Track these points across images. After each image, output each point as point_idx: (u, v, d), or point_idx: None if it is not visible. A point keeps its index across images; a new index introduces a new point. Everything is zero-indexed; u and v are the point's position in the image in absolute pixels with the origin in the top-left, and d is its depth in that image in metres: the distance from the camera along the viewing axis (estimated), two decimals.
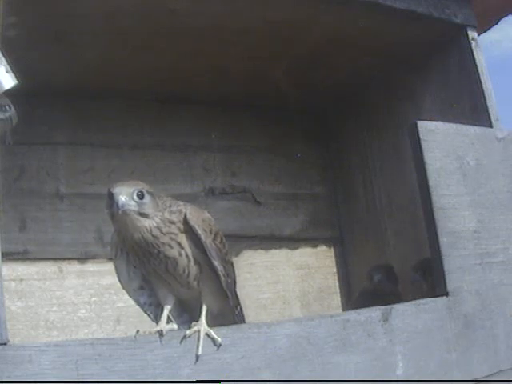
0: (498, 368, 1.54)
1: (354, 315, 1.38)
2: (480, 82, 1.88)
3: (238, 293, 1.39)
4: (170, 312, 1.27)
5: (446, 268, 1.51)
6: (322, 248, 2.50)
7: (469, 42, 1.91)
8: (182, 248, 1.21)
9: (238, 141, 2.41)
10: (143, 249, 1.21)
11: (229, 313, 1.33)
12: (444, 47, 1.99)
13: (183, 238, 1.22)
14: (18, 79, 1.21)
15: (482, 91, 1.87)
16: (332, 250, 2.52)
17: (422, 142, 1.57)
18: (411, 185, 1.77)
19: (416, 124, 1.58)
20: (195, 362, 1.11)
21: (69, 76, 1.90)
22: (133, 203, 1.18)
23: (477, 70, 1.88)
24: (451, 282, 1.51)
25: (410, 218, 2.13)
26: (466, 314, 1.52)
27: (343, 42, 1.95)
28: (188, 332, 1.12)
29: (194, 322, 1.17)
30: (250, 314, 2.21)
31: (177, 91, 2.17)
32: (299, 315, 2.30)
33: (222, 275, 1.25)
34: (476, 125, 1.77)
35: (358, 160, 2.46)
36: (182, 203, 1.27)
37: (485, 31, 2.09)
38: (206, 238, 1.23)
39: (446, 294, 1.50)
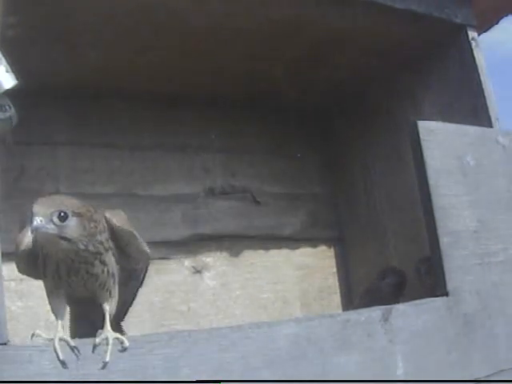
0: (498, 368, 1.54)
1: (354, 315, 1.38)
2: (480, 82, 1.88)
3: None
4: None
5: (446, 268, 1.51)
6: (322, 248, 2.50)
7: (469, 41, 1.91)
8: (106, 265, 1.15)
9: (238, 141, 2.41)
10: (67, 266, 1.12)
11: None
12: (444, 47, 1.99)
13: (107, 256, 1.15)
14: (18, 79, 1.21)
15: (482, 91, 1.87)
16: (332, 250, 2.52)
17: (422, 142, 1.57)
18: (411, 185, 1.77)
19: (416, 124, 1.58)
20: (102, 368, 1.04)
21: (69, 76, 1.89)
22: (51, 226, 1.03)
23: (477, 70, 1.89)
24: (451, 281, 1.51)
25: (410, 218, 2.13)
26: (465, 313, 1.52)
27: (343, 41, 1.96)
28: (97, 340, 1.06)
29: (99, 331, 1.11)
30: (249, 313, 2.23)
31: (177, 91, 2.17)
32: (299, 315, 2.30)
33: (148, 259, 1.25)
34: (476, 125, 1.77)
35: (358, 160, 2.46)
36: (100, 214, 1.16)
37: (485, 31, 2.09)
38: (137, 234, 1.20)
39: (446, 294, 1.50)
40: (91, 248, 1.10)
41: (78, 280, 1.14)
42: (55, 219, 1.04)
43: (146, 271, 1.32)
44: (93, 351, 1.05)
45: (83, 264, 1.11)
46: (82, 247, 1.09)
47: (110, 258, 1.16)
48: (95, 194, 2.07)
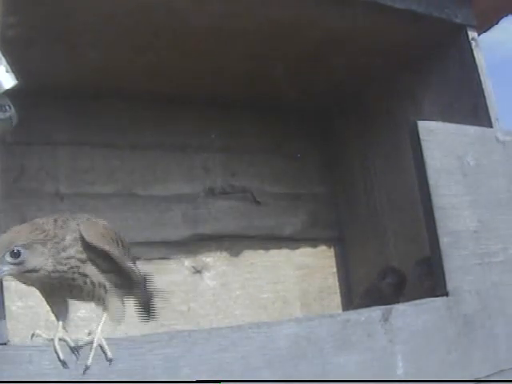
0: (498, 368, 1.54)
1: (354, 315, 1.38)
2: (480, 81, 1.87)
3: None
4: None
5: (446, 268, 1.51)
6: (322, 248, 2.50)
7: (469, 41, 1.91)
8: (87, 277, 1.12)
9: (238, 141, 2.41)
10: (49, 286, 1.12)
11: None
12: (444, 47, 1.99)
13: (87, 267, 1.11)
14: (18, 79, 1.21)
15: (482, 91, 1.86)
16: (332, 249, 2.52)
17: (422, 142, 1.57)
18: (411, 185, 1.77)
19: (416, 124, 1.58)
20: (84, 372, 1.03)
21: (69, 76, 1.89)
22: (9, 267, 1.03)
23: (477, 70, 1.88)
24: (451, 281, 1.51)
25: (410, 218, 2.13)
26: (465, 314, 1.52)
27: (343, 42, 1.95)
28: (80, 343, 1.05)
29: (90, 331, 1.12)
30: (249, 313, 2.23)
31: (177, 91, 2.17)
32: (299, 315, 2.30)
33: (136, 273, 1.21)
34: (476, 125, 1.77)
35: (358, 160, 2.46)
36: (73, 225, 1.13)
37: (485, 31, 2.09)
38: (114, 250, 1.14)
39: (446, 294, 1.50)
40: (60, 267, 1.08)
41: (64, 291, 1.13)
42: (9, 259, 1.03)
43: (145, 289, 1.30)
44: (72, 351, 1.04)
45: (63, 281, 1.10)
46: (50, 269, 1.07)
47: (91, 269, 1.12)
48: (95, 194, 2.07)
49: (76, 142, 2.08)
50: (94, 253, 1.12)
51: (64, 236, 1.10)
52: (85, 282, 1.12)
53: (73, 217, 1.15)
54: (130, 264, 1.19)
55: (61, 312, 1.16)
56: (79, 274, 1.10)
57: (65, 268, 1.08)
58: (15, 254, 1.03)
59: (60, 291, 1.14)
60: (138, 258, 1.34)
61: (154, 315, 1.37)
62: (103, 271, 1.14)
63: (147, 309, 1.35)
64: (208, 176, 2.32)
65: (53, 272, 1.08)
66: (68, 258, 1.09)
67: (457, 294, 1.52)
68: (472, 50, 1.90)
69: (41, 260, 1.06)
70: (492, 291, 1.60)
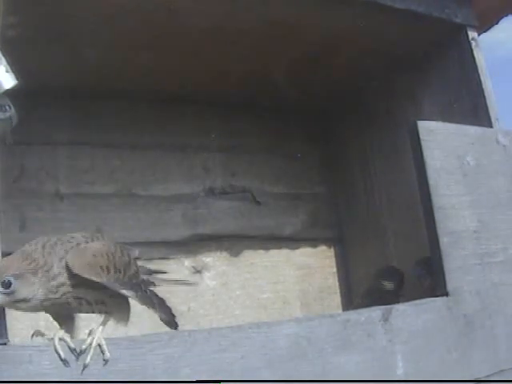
0: (498, 368, 1.54)
1: (354, 315, 1.38)
2: (480, 81, 1.88)
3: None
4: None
5: (446, 268, 1.51)
6: (322, 248, 2.50)
7: (469, 41, 1.91)
8: (81, 299, 1.11)
9: (238, 141, 2.41)
10: (46, 310, 1.13)
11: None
12: (444, 47, 1.99)
13: (80, 291, 1.11)
14: (18, 79, 1.21)
15: (482, 91, 1.87)
16: (332, 249, 2.52)
17: (422, 142, 1.57)
18: (411, 185, 1.77)
19: (416, 124, 1.58)
20: (82, 372, 1.03)
21: (69, 76, 1.89)
22: (0, 297, 1.03)
23: (477, 70, 1.88)
24: (451, 281, 1.51)
25: (410, 218, 2.13)
26: (465, 314, 1.52)
27: (343, 42, 1.95)
28: (84, 346, 1.05)
29: (90, 331, 1.09)
30: (249, 313, 2.23)
31: (177, 91, 2.17)
32: (299, 315, 2.30)
33: (135, 298, 1.18)
34: (476, 125, 1.77)
35: (358, 160, 2.46)
36: (61, 251, 1.11)
37: (485, 31, 2.09)
38: (103, 279, 1.11)
39: (446, 294, 1.51)
40: (52, 295, 1.08)
41: (63, 310, 1.14)
42: (0, 289, 1.03)
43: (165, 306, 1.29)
44: (72, 351, 1.04)
45: (57, 305, 1.10)
46: (41, 298, 1.07)
47: (85, 291, 1.11)
48: (95, 194, 2.08)
49: (76, 141, 2.08)
50: (84, 279, 1.10)
51: (52, 264, 1.09)
52: (80, 304, 1.12)
53: (61, 240, 1.13)
54: (123, 290, 1.15)
55: (65, 322, 1.16)
56: (73, 298, 1.10)
57: (57, 295, 1.08)
58: (6, 284, 1.03)
59: (60, 311, 1.14)
60: (139, 259, 1.34)
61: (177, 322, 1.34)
62: (98, 289, 1.13)
63: (170, 319, 1.32)
64: (208, 176, 2.32)
65: (44, 301, 1.08)
66: (59, 286, 1.08)
67: (457, 294, 1.52)
68: (472, 49, 1.90)
69: (31, 290, 1.06)
70: (492, 291, 1.60)
